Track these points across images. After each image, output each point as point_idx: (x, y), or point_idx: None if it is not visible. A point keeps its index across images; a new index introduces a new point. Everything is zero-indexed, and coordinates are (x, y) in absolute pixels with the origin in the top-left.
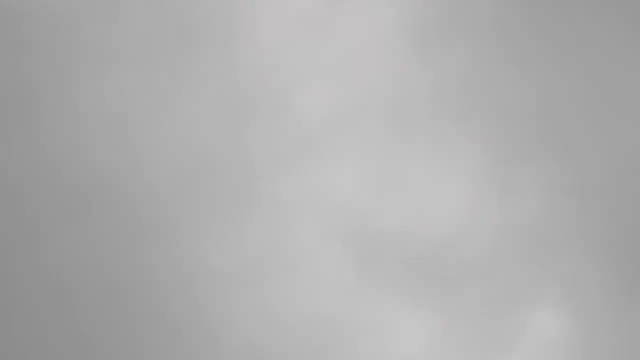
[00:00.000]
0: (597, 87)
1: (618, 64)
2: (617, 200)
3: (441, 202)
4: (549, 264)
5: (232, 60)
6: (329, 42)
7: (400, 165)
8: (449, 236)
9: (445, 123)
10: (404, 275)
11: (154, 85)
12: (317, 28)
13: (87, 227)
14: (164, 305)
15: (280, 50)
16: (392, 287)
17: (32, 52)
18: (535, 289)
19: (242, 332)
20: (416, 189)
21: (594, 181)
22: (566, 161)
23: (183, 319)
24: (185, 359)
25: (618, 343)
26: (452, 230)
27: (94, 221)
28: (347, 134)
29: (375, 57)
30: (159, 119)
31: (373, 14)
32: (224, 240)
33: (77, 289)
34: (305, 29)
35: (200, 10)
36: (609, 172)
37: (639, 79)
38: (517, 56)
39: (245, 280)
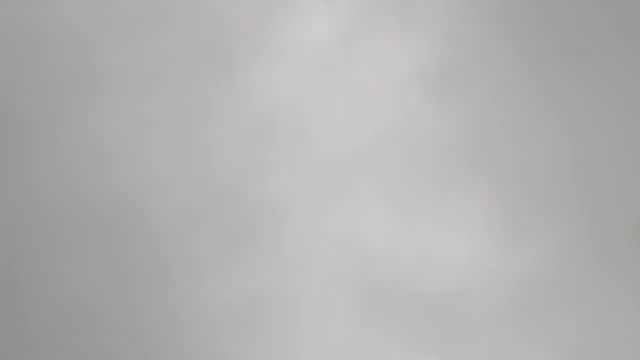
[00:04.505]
0: (609, 144)
1: (631, 116)
2: (625, 259)
3: (449, 254)
4: (554, 320)
5: (235, 99)
6: (340, 86)
7: (409, 215)
8: (457, 289)
9: (457, 173)
10: (410, 326)
11: (150, 119)
12: (330, 72)
13: (78, 267)
14: (155, 353)
15: (289, 94)
16: (398, 336)
17: (17, 83)
18: (539, 344)
19: None
20: (424, 239)
21: (600, 239)
22: (574, 218)
23: None
24: None
25: None
26: (460, 283)
27: (85, 261)
28: (356, 180)
29: (386, 103)
30: (156, 155)
31: (387, 60)
32: (222, 284)
33: (63, 332)
34: (318, 75)
35: (195, 44)
36: (618, 230)
37: None
38: (528, 108)
39: (244, 328)
